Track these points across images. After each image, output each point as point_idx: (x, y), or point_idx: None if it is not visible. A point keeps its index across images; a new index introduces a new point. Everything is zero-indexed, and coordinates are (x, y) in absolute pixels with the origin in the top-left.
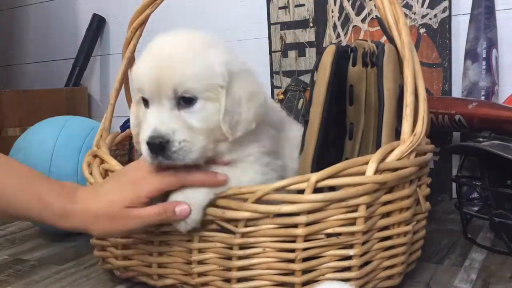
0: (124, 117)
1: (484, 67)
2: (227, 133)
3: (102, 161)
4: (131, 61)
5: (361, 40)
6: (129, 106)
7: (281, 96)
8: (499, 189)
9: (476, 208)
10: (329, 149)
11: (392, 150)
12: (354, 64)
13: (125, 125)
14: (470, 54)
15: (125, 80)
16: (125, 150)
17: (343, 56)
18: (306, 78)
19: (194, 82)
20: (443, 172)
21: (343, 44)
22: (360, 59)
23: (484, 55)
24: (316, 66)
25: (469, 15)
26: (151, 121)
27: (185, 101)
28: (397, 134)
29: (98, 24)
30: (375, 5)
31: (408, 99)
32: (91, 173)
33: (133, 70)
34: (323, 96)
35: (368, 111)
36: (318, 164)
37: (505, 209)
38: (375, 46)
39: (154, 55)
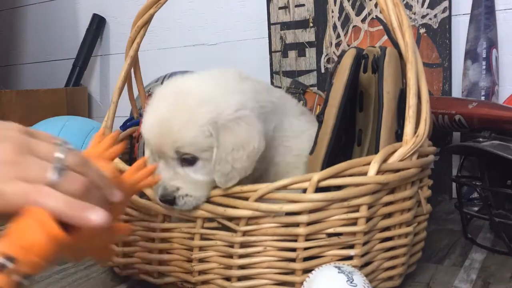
0: (125, 117)
1: (484, 67)
2: (219, 184)
3: None
4: (134, 60)
5: (371, 47)
6: (132, 106)
7: None
8: (499, 189)
9: (476, 208)
10: (339, 155)
11: (394, 151)
12: (365, 71)
13: (126, 125)
14: (470, 54)
15: (128, 79)
16: (126, 149)
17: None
18: (305, 79)
19: (191, 148)
20: (443, 172)
21: (344, 43)
22: (370, 65)
23: (484, 55)
24: (334, 69)
25: (469, 15)
26: (161, 178)
27: (187, 160)
28: (397, 137)
29: (98, 24)
30: (375, 5)
31: (411, 100)
32: None
33: (143, 120)
34: (340, 97)
35: (375, 116)
36: (329, 165)
37: (505, 209)
38: (380, 50)
39: (156, 114)
